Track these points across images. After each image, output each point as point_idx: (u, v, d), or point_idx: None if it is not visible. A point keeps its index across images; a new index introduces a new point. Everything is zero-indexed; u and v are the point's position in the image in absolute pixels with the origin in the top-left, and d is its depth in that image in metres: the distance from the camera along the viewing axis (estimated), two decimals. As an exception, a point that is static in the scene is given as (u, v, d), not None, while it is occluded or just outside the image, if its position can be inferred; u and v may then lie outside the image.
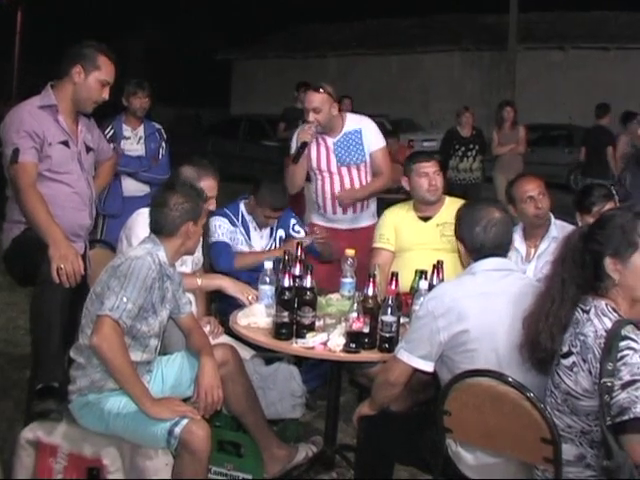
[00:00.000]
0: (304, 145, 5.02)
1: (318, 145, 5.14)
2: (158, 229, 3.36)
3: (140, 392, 3.12)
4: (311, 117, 4.99)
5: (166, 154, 6.33)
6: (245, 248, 4.73)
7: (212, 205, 4.19)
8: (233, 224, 4.74)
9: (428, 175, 4.48)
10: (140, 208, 4.13)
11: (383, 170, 5.13)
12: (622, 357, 2.43)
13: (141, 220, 3.95)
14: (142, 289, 3.14)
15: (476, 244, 3.06)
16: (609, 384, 2.43)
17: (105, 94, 3.96)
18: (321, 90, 5.03)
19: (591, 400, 2.52)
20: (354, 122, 5.14)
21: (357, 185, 5.11)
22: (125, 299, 3.08)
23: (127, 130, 6.26)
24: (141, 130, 6.32)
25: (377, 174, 5.15)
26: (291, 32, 29.34)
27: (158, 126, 6.46)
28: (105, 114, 4.37)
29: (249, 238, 4.77)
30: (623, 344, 2.45)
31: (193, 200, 3.40)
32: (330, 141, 5.10)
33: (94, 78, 3.89)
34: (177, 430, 3.03)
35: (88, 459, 3.19)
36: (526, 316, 2.74)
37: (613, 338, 2.46)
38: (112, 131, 6.06)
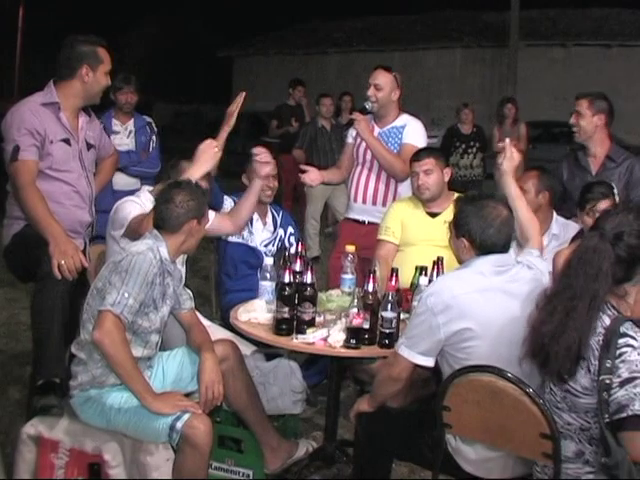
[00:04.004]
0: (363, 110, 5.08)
1: None
2: (162, 224, 3.36)
3: (142, 387, 3.13)
4: (370, 92, 5.01)
5: (157, 147, 6.30)
6: (245, 232, 4.72)
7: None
8: None
9: (418, 174, 4.47)
10: None
11: (403, 159, 4.93)
12: (621, 354, 2.44)
13: (127, 205, 3.95)
14: (143, 284, 3.15)
15: (488, 243, 3.02)
16: (607, 381, 2.44)
17: (108, 80, 4.08)
18: (390, 71, 5.06)
19: (590, 397, 2.52)
20: (404, 119, 5.12)
21: (385, 177, 5.05)
22: (126, 294, 3.09)
23: (117, 125, 6.23)
24: (131, 124, 6.29)
25: None
26: (292, 29, 29.29)
27: (149, 119, 6.41)
28: (95, 109, 4.37)
29: (251, 224, 4.77)
30: (622, 341, 2.45)
31: (199, 199, 3.42)
32: (376, 130, 5.11)
33: (101, 72, 3.99)
34: (179, 425, 3.04)
35: (89, 454, 3.19)
36: (538, 332, 2.64)
37: (612, 335, 2.47)
38: (102, 126, 6.04)
